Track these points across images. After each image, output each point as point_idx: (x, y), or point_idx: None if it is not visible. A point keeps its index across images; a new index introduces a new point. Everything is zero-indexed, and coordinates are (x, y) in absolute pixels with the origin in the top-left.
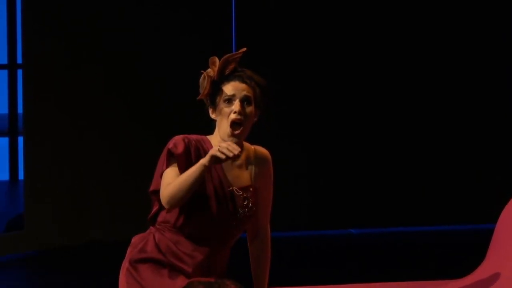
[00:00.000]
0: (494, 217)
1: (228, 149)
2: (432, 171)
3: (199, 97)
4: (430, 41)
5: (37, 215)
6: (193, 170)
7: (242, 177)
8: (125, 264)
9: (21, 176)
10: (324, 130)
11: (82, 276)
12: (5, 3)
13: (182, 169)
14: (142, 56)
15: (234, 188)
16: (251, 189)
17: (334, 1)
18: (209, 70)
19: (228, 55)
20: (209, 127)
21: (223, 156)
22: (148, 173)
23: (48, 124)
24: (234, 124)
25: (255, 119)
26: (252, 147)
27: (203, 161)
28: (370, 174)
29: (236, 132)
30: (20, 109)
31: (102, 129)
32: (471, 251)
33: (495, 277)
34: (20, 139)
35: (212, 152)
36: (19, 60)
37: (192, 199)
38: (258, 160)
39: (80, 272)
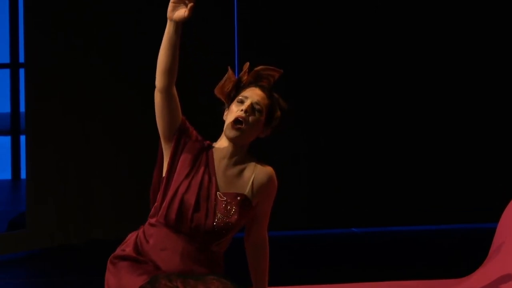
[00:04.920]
0: (496, 217)
1: None
2: (434, 170)
3: (215, 90)
4: (433, 40)
5: (39, 214)
6: (165, 30)
7: (234, 184)
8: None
9: (23, 175)
10: (326, 129)
11: (83, 275)
12: (7, 2)
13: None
14: (146, 55)
15: (218, 192)
16: (238, 197)
17: None
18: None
19: (265, 67)
20: (215, 129)
21: None
22: (150, 172)
23: (50, 123)
24: (237, 122)
25: (262, 135)
26: (258, 162)
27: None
28: (372, 173)
29: (238, 125)
30: (22, 108)
31: (104, 128)
32: (473, 250)
33: (497, 276)
34: (22, 138)
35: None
36: (21, 59)
37: (179, 198)
38: (260, 175)
39: (81, 271)
